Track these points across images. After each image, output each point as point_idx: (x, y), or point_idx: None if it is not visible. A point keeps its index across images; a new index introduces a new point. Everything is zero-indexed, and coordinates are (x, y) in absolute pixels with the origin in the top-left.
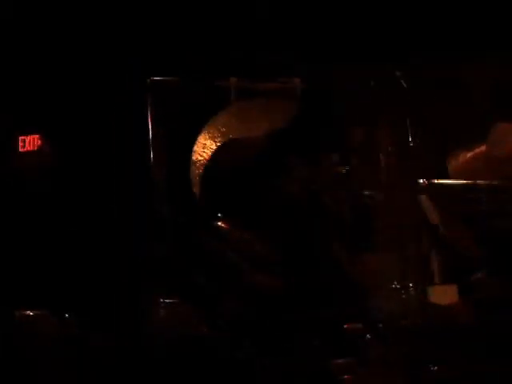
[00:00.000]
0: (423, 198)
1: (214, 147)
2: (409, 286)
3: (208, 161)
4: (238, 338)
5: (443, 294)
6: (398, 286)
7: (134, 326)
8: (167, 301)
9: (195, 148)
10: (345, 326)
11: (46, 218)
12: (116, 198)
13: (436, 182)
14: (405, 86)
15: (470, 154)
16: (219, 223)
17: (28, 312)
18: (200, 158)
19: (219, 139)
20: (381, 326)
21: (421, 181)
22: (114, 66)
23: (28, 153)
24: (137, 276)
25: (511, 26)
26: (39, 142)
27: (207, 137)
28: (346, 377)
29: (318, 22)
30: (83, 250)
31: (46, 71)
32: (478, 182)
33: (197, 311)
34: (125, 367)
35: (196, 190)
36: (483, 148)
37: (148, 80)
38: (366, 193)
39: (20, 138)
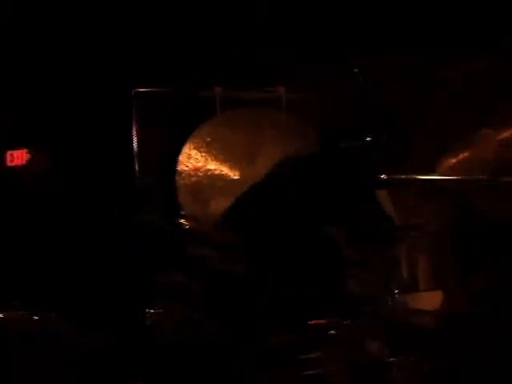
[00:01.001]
0: (381, 192)
1: (198, 157)
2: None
3: None
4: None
5: (429, 301)
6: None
7: (134, 326)
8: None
9: (180, 158)
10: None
11: (46, 219)
12: (116, 198)
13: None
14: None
15: (455, 159)
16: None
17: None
18: (185, 168)
19: (204, 149)
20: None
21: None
22: (100, 76)
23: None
24: (137, 276)
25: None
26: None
27: (192, 147)
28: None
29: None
30: (83, 251)
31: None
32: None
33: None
34: (124, 367)
35: (181, 199)
36: (468, 153)
37: (132, 91)
38: None
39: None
